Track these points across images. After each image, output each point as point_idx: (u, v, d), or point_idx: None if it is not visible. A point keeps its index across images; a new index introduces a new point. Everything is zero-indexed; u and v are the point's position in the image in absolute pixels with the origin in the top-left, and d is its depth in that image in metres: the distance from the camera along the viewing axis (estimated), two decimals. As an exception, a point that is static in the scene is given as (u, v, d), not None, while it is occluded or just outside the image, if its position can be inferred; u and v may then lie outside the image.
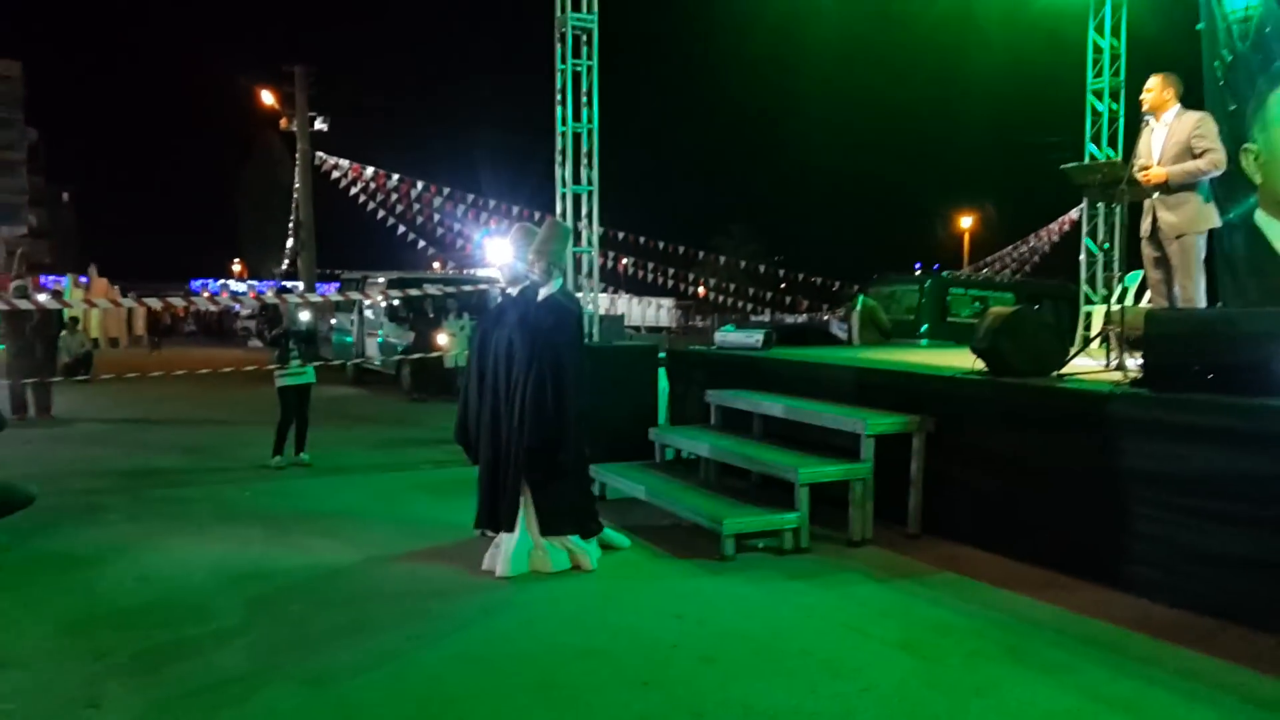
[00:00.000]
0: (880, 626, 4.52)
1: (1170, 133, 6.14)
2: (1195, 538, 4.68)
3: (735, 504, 6.01)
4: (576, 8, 8.54)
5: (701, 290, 34.34)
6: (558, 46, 8.58)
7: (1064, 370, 5.99)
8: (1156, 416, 4.90)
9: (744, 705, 3.65)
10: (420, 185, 23.08)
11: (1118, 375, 5.80)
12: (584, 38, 8.62)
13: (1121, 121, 11.28)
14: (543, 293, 5.59)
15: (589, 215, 8.82)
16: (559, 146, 8.64)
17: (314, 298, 13.69)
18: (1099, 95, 11.33)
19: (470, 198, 23.26)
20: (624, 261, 26.43)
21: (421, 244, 24.76)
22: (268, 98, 25.20)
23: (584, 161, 8.71)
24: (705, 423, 7.71)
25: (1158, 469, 4.85)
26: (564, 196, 8.73)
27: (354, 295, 16.53)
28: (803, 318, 35.76)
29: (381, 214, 23.64)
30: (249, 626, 4.47)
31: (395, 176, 23.33)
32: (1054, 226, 36.02)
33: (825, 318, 38.97)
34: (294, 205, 27.71)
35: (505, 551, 5.35)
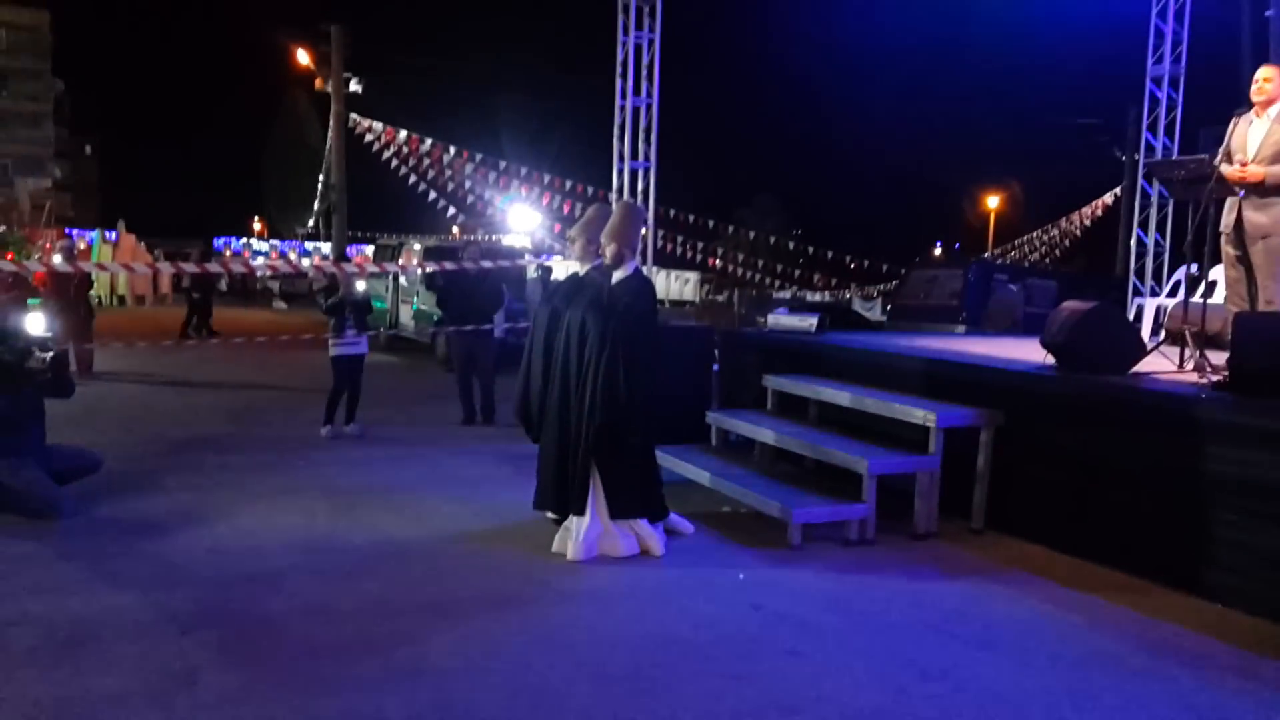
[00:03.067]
0: (960, 625, 4.49)
1: (1271, 130, 5.94)
2: (1278, 545, 4.63)
3: (801, 492, 5.99)
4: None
5: (725, 264, 34.20)
6: (620, 18, 8.47)
7: (1139, 368, 5.92)
8: (1243, 421, 4.82)
9: (837, 703, 3.64)
10: (452, 151, 22.99)
11: (1194, 375, 5.73)
12: (647, 9, 8.50)
13: (1180, 110, 11.15)
14: (617, 275, 5.56)
15: (645, 191, 8.75)
16: (618, 121, 8.56)
17: (371, 267, 13.63)
18: (1158, 82, 11.18)
19: (502, 164, 23.15)
20: (653, 234, 26.33)
21: (452, 211, 24.70)
22: (303, 57, 25.06)
23: (642, 137, 8.63)
24: (759, 406, 7.68)
25: (1241, 475, 4.79)
26: (620, 172, 8.65)
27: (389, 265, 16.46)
28: (824, 296, 35.59)
29: (413, 179, 23.59)
30: (330, 604, 4.47)
31: (429, 141, 23.25)
32: (1086, 210, 35.66)
33: (848, 296, 38.79)
34: (325, 166, 27.62)
35: (576, 534, 5.34)
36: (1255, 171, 5.85)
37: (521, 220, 31.35)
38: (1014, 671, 4.00)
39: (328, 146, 26.43)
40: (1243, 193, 5.92)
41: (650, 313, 5.61)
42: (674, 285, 35.00)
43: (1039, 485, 5.84)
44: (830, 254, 31.15)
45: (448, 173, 23.38)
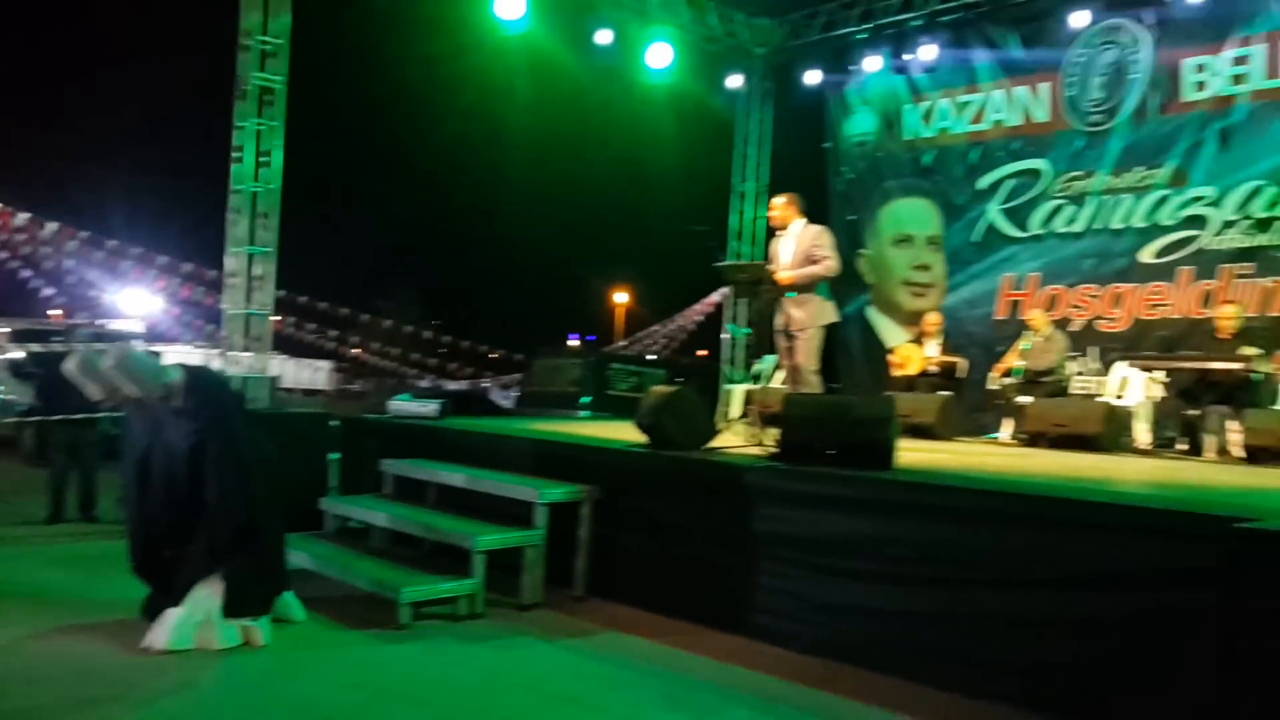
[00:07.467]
0: (553, 683, 4.83)
1: (797, 242, 7.28)
2: (820, 591, 5.41)
3: (411, 572, 6.11)
4: (262, 67, 8.40)
5: (361, 353, 33.72)
6: (237, 104, 8.39)
7: (714, 444, 6.72)
8: (789, 486, 5.65)
9: (429, 766, 3.80)
10: (55, 226, 20.99)
11: (758, 449, 6.60)
12: (269, 97, 8.49)
13: (763, 222, 12.84)
14: (175, 400, 5.42)
15: (261, 278, 8.62)
16: (232, 204, 8.40)
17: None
18: (744, 198, 12.85)
19: (112, 243, 21.46)
20: (279, 320, 25.43)
21: (50, 291, 22.41)
22: None
23: (260, 222, 8.52)
24: (379, 491, 7.73)
25: (790, 531, 5.58)
26: (237, 255, 8.48)
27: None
28: (463, 385, 35.95)
29: (3, 255, 21.18)
30: None
31: (25, 215, 21.05)
32: (698, 307, 39.17)
33: (485, 385, 39.46)
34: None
35: (168, 623, 5.09)
36: (785, 275, 7.10)
37: (135, 304, 29.07)
38: (597, 720, 4.38)
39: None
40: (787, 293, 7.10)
41: (233, 415, 5.54)
42: (304, 374, 33.76)
43: (632, 552, 6.39)
44: (468, 344, 31.64)
45: (43, 250, 21.27)
